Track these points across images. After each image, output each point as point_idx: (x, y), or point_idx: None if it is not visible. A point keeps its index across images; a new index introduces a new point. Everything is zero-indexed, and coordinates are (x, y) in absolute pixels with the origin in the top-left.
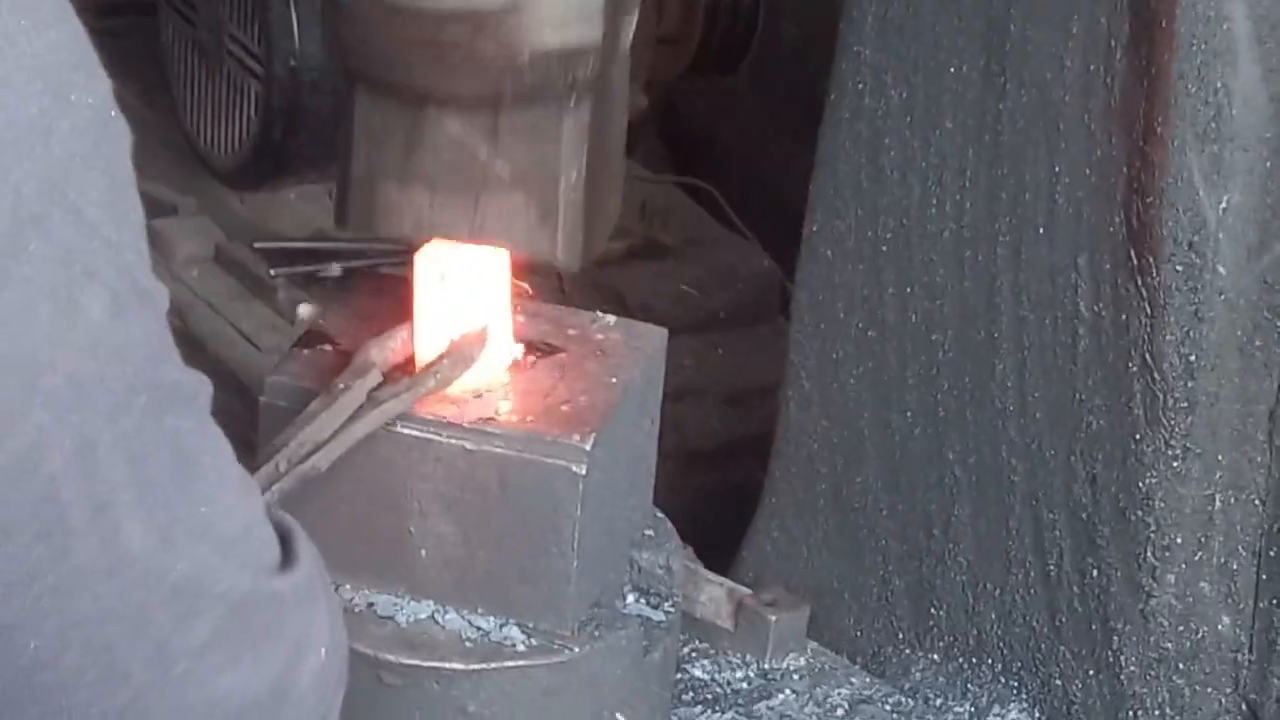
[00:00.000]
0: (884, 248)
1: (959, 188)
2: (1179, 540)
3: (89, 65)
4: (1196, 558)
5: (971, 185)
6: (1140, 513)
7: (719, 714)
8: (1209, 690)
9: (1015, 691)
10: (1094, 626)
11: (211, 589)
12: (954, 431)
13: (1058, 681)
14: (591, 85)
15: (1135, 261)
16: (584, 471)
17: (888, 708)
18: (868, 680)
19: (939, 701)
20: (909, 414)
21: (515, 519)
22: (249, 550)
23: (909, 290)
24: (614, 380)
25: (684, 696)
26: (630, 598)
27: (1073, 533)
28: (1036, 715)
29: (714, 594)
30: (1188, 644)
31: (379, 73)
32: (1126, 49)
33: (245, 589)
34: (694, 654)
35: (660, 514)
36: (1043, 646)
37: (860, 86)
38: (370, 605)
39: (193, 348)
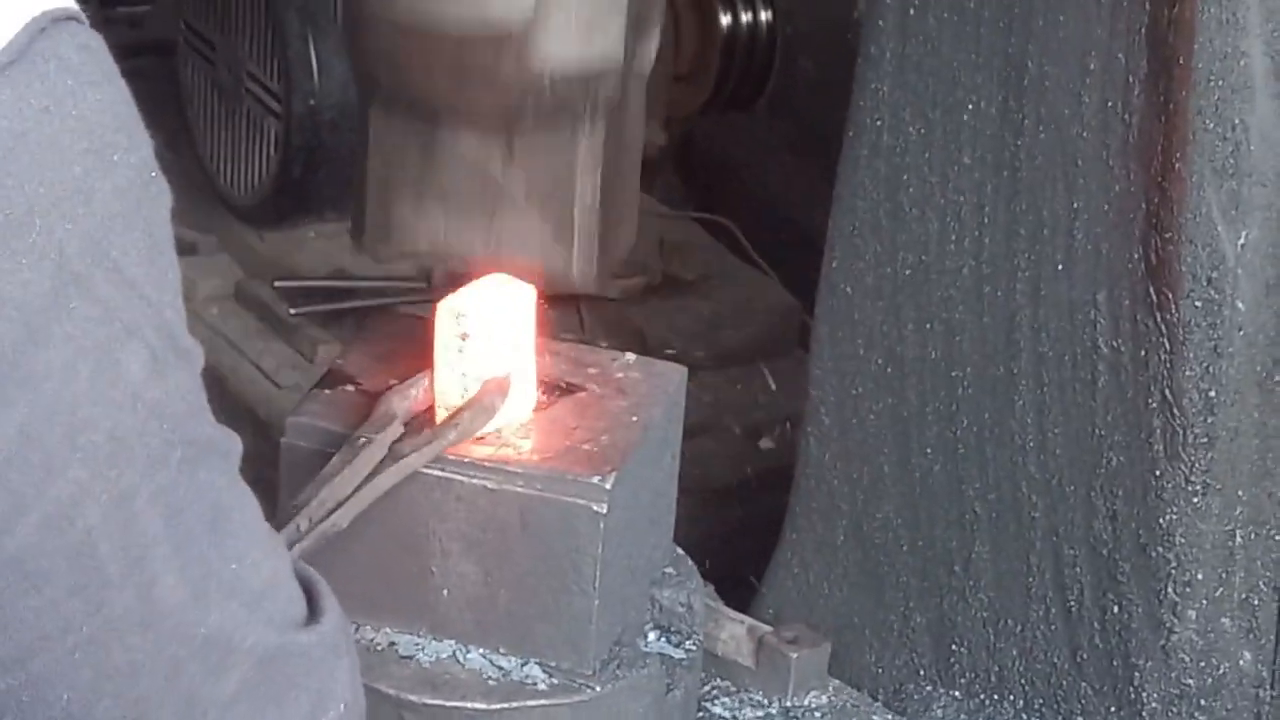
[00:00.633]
0: (903, 284)
1: (977, 224)
2: (1200, 576)
3: (132, 125)
4: (1218, 593)
5: (990, 221)
6: (1161, 548)
7: None
8: None
9: None
10: (1115, 663)
11: (241, 644)
12: (974, 468)
13: (1079, 718)
14: (613, 106)
15: (1154, 297)
16: (605, 510)
17: None
18: (889, 718)
19: None
20: (929, 450)
21: (536, 558)
22: (275, 606)
23: (928, 326)
24: (634, 419)
25: None
26: (651, 636)
27: (1093, 569)
28: None
29: (735, 631)
30: (1209, 680)
31: (398, 91)
32: (1144, 85)
33: (272, 644)
34: (715, 692)
35: (680, 551)
36: (1064, 683)
37: (878, 123)
38: (392, 645)
39: (212, 385)
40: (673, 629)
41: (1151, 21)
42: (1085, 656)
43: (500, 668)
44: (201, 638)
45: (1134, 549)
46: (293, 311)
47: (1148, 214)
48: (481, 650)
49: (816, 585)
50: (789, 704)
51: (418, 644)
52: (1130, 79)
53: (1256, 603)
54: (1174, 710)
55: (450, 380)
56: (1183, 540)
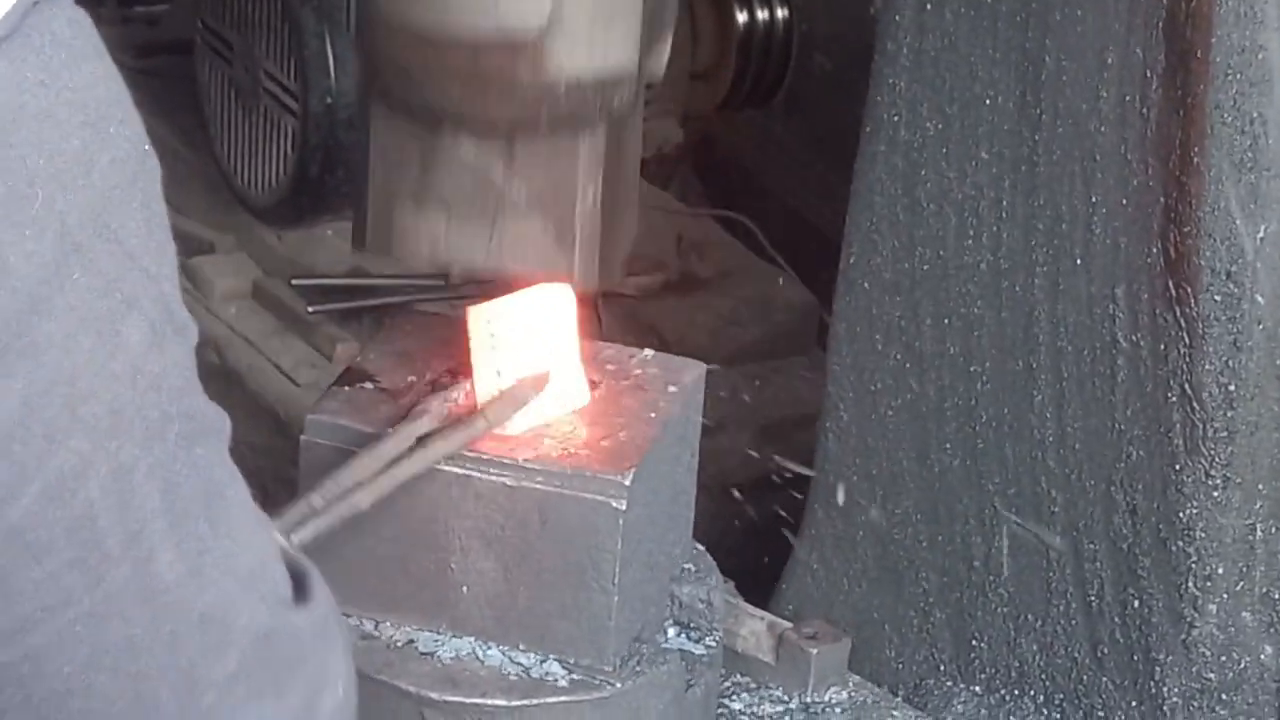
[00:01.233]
0: (921, 280)
1: (995, 219)
2: (1220, 570)
3: (124, 100)
4: (1238, 587)
5: (1008, 217)
6: (1181, 543)
7: None
8: None
9: None
10: (1136, 657)
11: (236, 621)
12: (993, 463)
13: (1100, 713)
14: (626, 112)
15: (1173, 292)
16: (624, 507)
17: None
18: (910, 713)
19: None
20: (948, 445)
21: (556, 555)
22: (267, 585)
23: (946, 322)
24: (653, 415)
25: None
26: (671, 632)
27: (1113, 564)
28: None
29: (755, 627)
30: (1230, 674)
31: (407, 97)
32: (1162, 79)
33: (266, 622)
34: (735, 688)
35: (700, 547)
36: (1085, 678)
37: (895, 119)
38: (411, 642)
39: (230, 383)
40: (692, 625)
41: (1169, 15)
42: (1106, 651)
43: (520, 664)
44: (199, 614)
45: (1154, 543)
46: (311, 309)
47: (1166, 208)
48: (501, 647)
49: (836, 581)
50: (809, 700)
51: (438, 640)
52: (1148, 73)
53: (1277, 596)
54: (1195, 705)
55: (488, 383)
56: (1203, 534)
